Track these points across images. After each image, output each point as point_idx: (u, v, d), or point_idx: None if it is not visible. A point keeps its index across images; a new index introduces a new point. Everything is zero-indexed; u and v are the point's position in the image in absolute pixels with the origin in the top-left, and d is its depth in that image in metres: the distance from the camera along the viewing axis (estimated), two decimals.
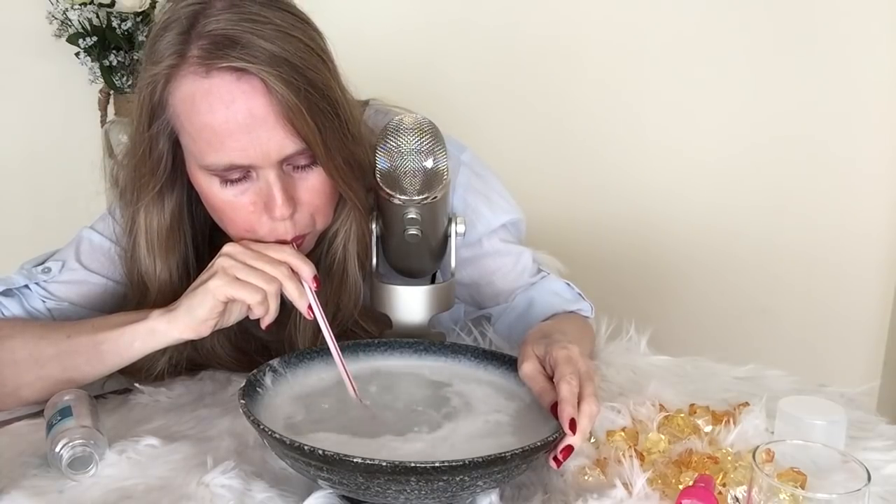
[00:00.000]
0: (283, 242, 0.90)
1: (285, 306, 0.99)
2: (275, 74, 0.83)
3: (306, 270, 0.87)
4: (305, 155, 0.88)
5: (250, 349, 1.03)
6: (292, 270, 0.87)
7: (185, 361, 1.00)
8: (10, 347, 0.92)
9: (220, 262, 0.87)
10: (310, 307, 0.87)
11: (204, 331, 0.88)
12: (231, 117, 0.84)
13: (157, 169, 0.92)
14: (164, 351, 0.95)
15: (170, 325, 0.88)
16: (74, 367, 0.90)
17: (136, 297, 0.98)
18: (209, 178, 0.89)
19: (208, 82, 0.84)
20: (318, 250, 0.98)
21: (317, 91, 0.86)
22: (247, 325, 1.01)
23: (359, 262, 0.99)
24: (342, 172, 0.90)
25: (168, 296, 0.94)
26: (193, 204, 0.97)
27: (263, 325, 0.89)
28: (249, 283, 0.86)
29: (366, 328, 1.01)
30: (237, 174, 0.88)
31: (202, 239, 0.99)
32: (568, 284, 1.09)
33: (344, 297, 0.99)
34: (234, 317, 0.90)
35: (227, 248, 0.88)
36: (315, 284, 0.88)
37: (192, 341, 0.97)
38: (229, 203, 0.89)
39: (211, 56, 0.84)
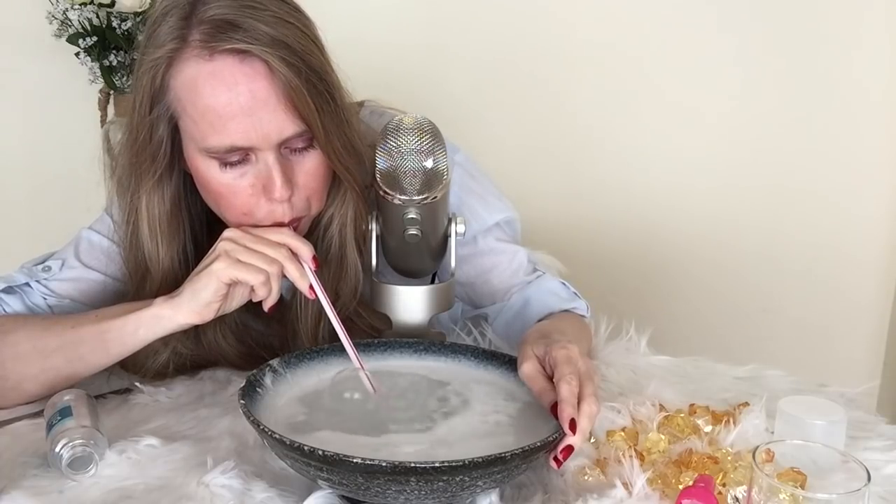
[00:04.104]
0: (280, 225, 0.91)
1: (285, 300, 1.00)
2: (277, 56, 0.85)
3: (305, 251, 0.89)
4: (304, 138, 0.90)
5: (253, 342, 1.04)
6: (291, 252, 0.89)
7: (189, 358, 1.01)
8: (14, 341, 0.93)
9: (221, 245, 0.89)
10: (311, 287, 0.88)
11: (208, 315, 0.89)
12: (234, 99, 0.86)
13: (158, 154, 0.93)
14: (167, 343, 0.96)
15: (174, 310, 0.89)
16: (79, 357, 0.91)
17: (135, 285, 0.99)
18: (208, 162, 0.90)
19: (211, 65, 0.86)
20: (314, 236, 0.99)
21: (315, 74, 0.89)
22: (248, 319, 1.02)
23: (357, 248, 1.00)
24: (339, 155, 0.92)
25: (169, 282, 0.95)
26: (189, 194, 0.97)
27: (266, 307, 0.90)
28: (252, 264, 0.87)
29: (366, 317, 1.02)
30: (237, 157, 0.89)
31: (200, 228, 1.00)
32: (563, 283, 1.09)
33: (343, 283, 1.00)
34: (236, 301, 0.91)
35: (228, 232, 0.90)
36: (314, 264, 0.89)
37: (196, 335, 0.98)
38: (228, 186, 0.90)
39: (214, 39, 0.85)
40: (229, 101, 0.86)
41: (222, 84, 0.86)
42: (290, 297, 1.01)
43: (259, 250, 0.88)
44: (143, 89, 0.90)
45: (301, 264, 0.89)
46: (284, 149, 0.90)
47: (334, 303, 0.92)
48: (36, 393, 0.92)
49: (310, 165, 0.92)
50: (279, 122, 0.87)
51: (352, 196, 0.97)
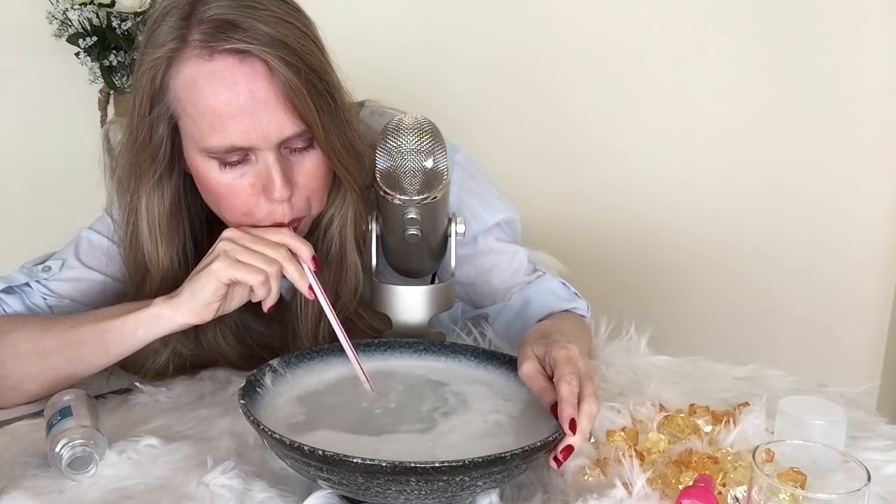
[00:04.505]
0: (280, 225, 0.91)
1: (286, 300, 1.00)
2: (277, 56, 0.85)
3: (304, 251, 0.89)
4: (303, 138, 0.90)
5: (253, 343, 1.04)
6: (291, 252, 0.88)
7: (189, 358, 1.01)
8: (13, 341, 0.93)
9: (221, 245, 0.89)
10: (311, 287, 0.88)
11: (207, 315, 0.89)
12: (233, 99, 0.86)
13: (158, 154, 0.93)
14: (166, 343, 0.96)
15: (173, 310, 0.89)
16: (79, 357, 0.91)
17: (134, 286, 0.99)
18: (208, 162, 0.90)
19: (211, 65, 0.86)
20: (314, 237, 0.99)
21: (315, 74, 0.89)
22: (248, 319, 1.02)
23: (357, 248, 1.00)
24: (339, 155, 0.92)
25: (169, 282, 0.95)
26: (189, 194, 0.97)
27: (266, 307, 0.90)
28: (251, 265, 0.87)
29: (366, 318, 1.02)
30: (236, 157, 0.89)
31: (200, 228, 1.00)
32: (564, 283, 1.09)
33: (343, 284, 1.00)
34: (235, 301, 0.91)
35: (227, 232, 0.90)
36: (314, 265, 0.89)
37: (196, 335, 0.98)
38: (228, 186, 0.90)
39: (213, 39, 0.85)
40: (229, 100, 0.86)
41: (222, 84, 0.86)
42: (290, 298, 1.01)
43: (258, 250, 0.88)
44: (142, 89, 0.90)
45: (300, 265, 0.89)
46: (284, 149, 0.90)
47: (334, 303, 0.92)
48: (36, 393, 0.92)
49: (310, 165, 0.92)
50: (279, 122, 0.87)
51: (352, 197, 0.97)
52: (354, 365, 0.85)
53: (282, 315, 1.01)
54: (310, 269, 0.89)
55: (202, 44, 0.86)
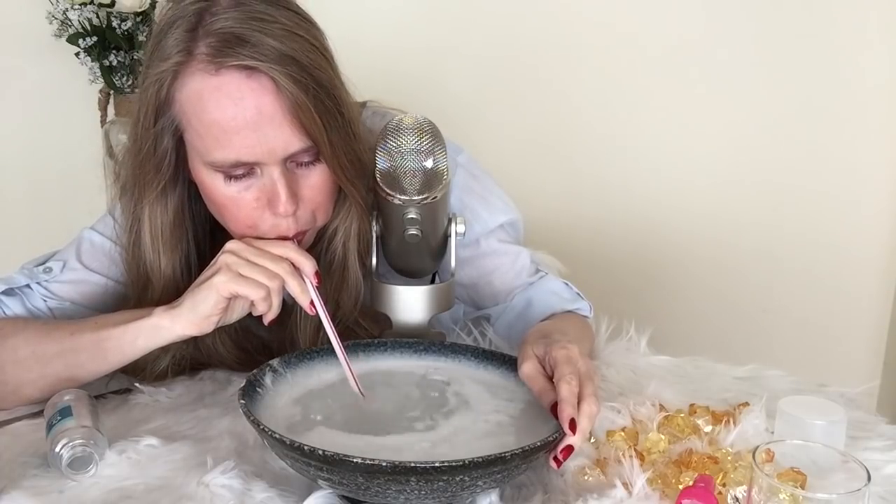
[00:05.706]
0: (284, 239, 0.91)
1: (286, 305, 1.00)
2: (284, 73, 0.84)
3: (308, 266, 0.88)
4: (310, 152, 0.89)
5: (251, 348, 1.03)
6: (294, 266, 0.88)
7: (188, 360, 1.00)
8: (13, 346, 0.92)
9: (223, 258, 0.88)
10: (312, 303, 0.88)
11: (207, 327, 0.88)
12: (239, 114, 0.85)
13: (162, 166, 0.92)
14: (167, 350, 0.96)
15: (173, 321, 0.88)
16: (78, 364, 0.91)
17: (136, 293, 0.99)
18: (213, 175, 0.89)
19: (217, 79, 0.85)
20: (317, 248, 0.98)
21: (323, 90, 0.87)
22: (248, 324, 1.02)
23: (359, 260, 0.99)
24: (346, 170, 0.91)
25: (171, 291, 0.95)
26: (193, 201, 0.97)
27: (266, 321, 0.89)
28: (253, 279, 0.86)
29: (366, 327, 1.01)
30: (242, 171, 0.88)
31: (203, 236, 1.00)
32: (566, 284, 1.09)
33: (344, 294, 0.99)
34: (236, 313, 0.90)
35: (230, 245, 0.89)
36: (316, 280, 0.88)
37: (194, 340, 0.98)
38: (233, 199, 0.90)
39: (220, 54, 0.84)
40: (234, 115, 0.85)
41: (228, 98, 0.85)
42: (291, 303, 1.01)
43: (261, 264, 0.87)
44: (147, 101, 0.89)
45: (303, 279, 0.88)
46: (290, 163, 0.89)
47: (335, 313, 0.92)
48: (35, 397, 0.92)
49: (315, 180, 0.91)
50: (285, 138, 0.86)
51: (356, 209, 0.97)
52: (354, 387, 0.84)
53: (282, 319, 1.00)
54: (312, 284, 0.88)
55: (209, 58, 0.85)
